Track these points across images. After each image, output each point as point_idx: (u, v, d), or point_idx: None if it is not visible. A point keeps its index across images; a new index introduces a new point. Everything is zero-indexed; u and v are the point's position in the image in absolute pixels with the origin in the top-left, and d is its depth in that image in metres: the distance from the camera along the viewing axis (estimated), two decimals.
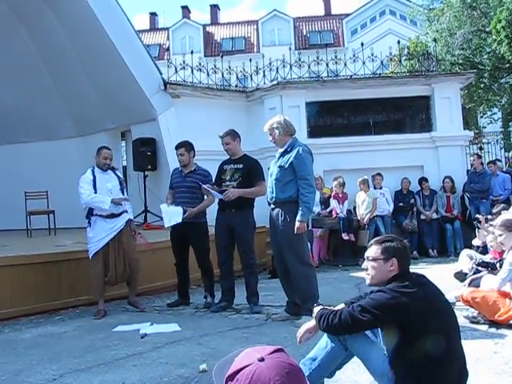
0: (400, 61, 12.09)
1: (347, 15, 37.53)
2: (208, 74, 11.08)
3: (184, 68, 10.92)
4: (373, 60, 11.17)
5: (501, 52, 14.62)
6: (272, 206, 5.33)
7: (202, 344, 4.48)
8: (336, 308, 2.87)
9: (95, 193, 5.86)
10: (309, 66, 11.42)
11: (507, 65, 15.75)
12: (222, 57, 11.65)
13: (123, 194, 6.06)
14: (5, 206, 11.02)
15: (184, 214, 5.93)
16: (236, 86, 11.75)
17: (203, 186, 5.81)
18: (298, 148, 5.17)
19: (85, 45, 10.16)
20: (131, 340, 4.71)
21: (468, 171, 10.95)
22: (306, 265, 5.23)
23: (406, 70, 11.82)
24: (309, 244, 6.00)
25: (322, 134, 10.83)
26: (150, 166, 10.28)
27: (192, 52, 11.61)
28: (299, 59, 11.56)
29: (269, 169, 5.48)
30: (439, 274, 6.79)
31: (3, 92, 11.57)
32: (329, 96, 10.99)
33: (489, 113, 17.95)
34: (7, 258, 6.01)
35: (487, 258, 6.23)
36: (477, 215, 7.37)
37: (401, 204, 10.28)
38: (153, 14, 41.54)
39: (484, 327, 4.62)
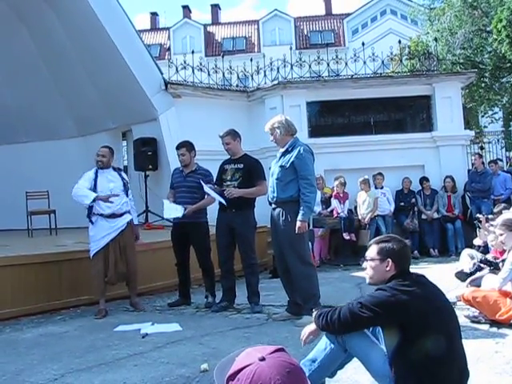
0: (401, 60, 12.07)
1: (348, 15, 37.54)
2: (209, 74, 11.08)
3: (185, 68, 10.92)
4: (374, 60, 11.18)
5: (502, 51, 14.60)
6: (273, 205, 5.33)
7: (203, 344, 4.48)
8: None
9: (95, 192, 5.86)
10: (310, 66, 11.43)
11: (508, 64, 15.73)
12: (222, 56, 11.65)
13: (127, 196, 6.05)
14: (6, 205, 11.02)
15: (184, 211, 5.94)
16: (237, 85, 11.75)
17: (205, 185, 5.78)
18: (299, 148, 5.17)
19: (85, 45, 10.16)
20: (132, 340, 4.71)
21: (469, 171, 10.94)
22: (307, 264, 5.22)
23: (407, 69, 11.82)
24: (310, 244, 6.00)
25: (323, 134, 10.83)
26: (150, 166, 10.28)
27: (193, 52, 11.60)
28: (300, 59, 11.58)
29: (270, 168, 5.48)
30: (440, 273, 6.79)
31: (4, 92, 11.57)
32: (330, 96, 10.99)
33: (490, 112, 17.93)
34: (8, 258, 6.01)
35: (488, 257, 6.23)
36: (477, 215, 7.37)
37: (402, 204, 10.27)
38: (154, 14, 41.56)
39: (485, 327, 4.62)
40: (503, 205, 7.80)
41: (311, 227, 6.62)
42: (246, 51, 34.58)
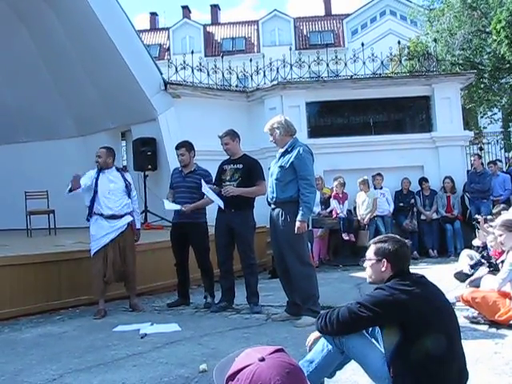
0: (400, 61, 12.08)
1: (347, 15, 37.55)
2: (208, 74, 11.09)
3: (184, 68, 10.93)
4: (373, 60, 11.18)
5: (501, 52, 14.63)
6: (272, 206, 5.33)
7: (202, 344, 4.48)
8: None
9: (95, 191, 5.88)
10: (309, 66, 11.43)
11: (507, 65, 15.75)
12: (222, 57, 11.66)
13: (129, 197, 6.03)
14: (5, 205, 11.02)
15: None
16: (236, 86, 11.75)
17: (205, 186, 5.76)
18: (299, 148, 5.17)
19: (85, 44, 10.16)
20: (131, 340, 4.71)
21: (468, 171, 10.95)
22: (307, 265, 5.22)
23: (407, 70, 11.83)
24: (309, 244, 5.99)
25: (323, 134, 10.84)
26: (150, 166, 10.28)
27: (192, 52, 11.59)
28: (299, 59, 11.57)
29: (269, 169, 5.48)
30: (439, 274, 6.79)
31: (4, 92, 11.57)
32: (329, 96, 10.99)
33: (489, 113, 17.94)
34: (7, 258, 6.01)
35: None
36: (476, 215, 7.37)
37: (401, 204, 10.28)
38: (153, 14, 41.56)
39: (484, 327, 4.62)
40: (502, 205, 7.81)
41: (310, 228, 6.62)
42: (246, 51, 34.59)
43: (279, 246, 5.27)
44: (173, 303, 6.23)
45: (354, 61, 11.08)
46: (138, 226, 6.20)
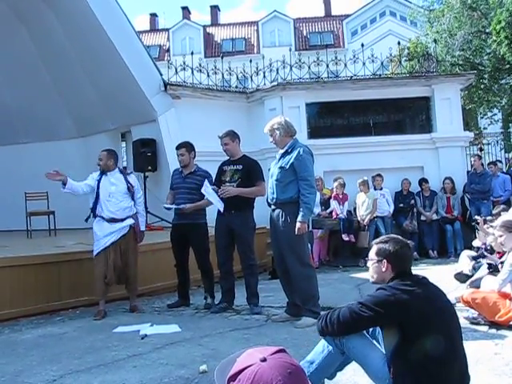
0: (400, 62, 12.09)
1: (347, 16, 37.52)
2: (208, 75, 11.09)
3: (184, 69, 10.93)
4: (373, 61, 11.19)
5: (501, 53, 14.63)
6: (273, 206, 5.32)
7: (202, 345, 4.48)
8: None
9: (97, 193, 5.90)
10: (309, 67, 11.43)
11: (507, 66, 15.75)
12: (222, 58, 11.66)
13: (132, 199, 6.02)
14: (5, 206, 11.02)
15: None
16: (236, 86, 11.77)
17: (207, 187, 5.75)
18: (299, 149, 5.17)
19: (85, 45, 10.16)
20: (131, 341, 4.71)
21: (468, 172, 10.95)
22: (307, 266, 5.22)
23: (406, 70, 11.84)
24: (309, 245, 5.99)
25: (322, 135, 10.84)
26: (150, 167, 10.28)
27: (192, 53, 11.60)
28: (299, 60, 11.58)
29: (269, 170, 5.48)
30: (439, 274, 6.79)
31: (3, 92, 11.58)
32: (329, 97, 11.00)
33: (489, 114, 17.94)
34: (7, 259, 6.01)
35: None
36: (475, 216, 7.37)
37: (401, 205, 10.28)
38: (153, 15, 41.54)
39: (484, 328, 4.63)
40: (502, 206, 7.82)
41: (310, 228, 6.62)
42: (246, 52, 34.56)
43: (279, 246, 5.27)
44: (173, 304, 6.23)
45: (354, 61, 11.08)
46: (143, 228, 6.17)
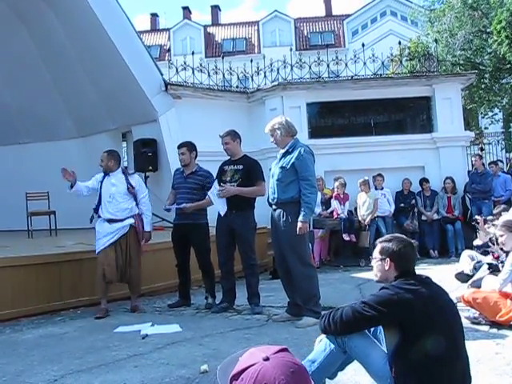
0: (401, 61, 12.09)
1: (348, 16, 37.53)
2: (209, 75, 11.09)
3: (185, 69, 10.94)
4: (374, 61, 11.19)
5: (501, 53, 14.63)
6: (274, 206, 5.32)
7: (203, 345, 4.48)
8: None
9: (99, 194, 5.94)
10: (310, 67, 11.44)
11: (508, 65, 15.76)
12: (222, 58, 11.68)
13: (134, 200, 6.02)
14: (6, 206, 11.02)
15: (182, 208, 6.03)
16: (237, 86, 11.77)
17: (214, 189, 5.74)
18: (300, 149, 5.16)
19: (85, 45, 10.16)
20: (132, 341, 4.71)
21: (469, 172, 10.94)
22: (308, 265, 5.22)
23: (407, 70, 11.84)
24: (310, 245, 5.99)
25: (323, 135, 10.84)
26: (150, 167, 10.28)
27: (193, 53, 11.62)
28: (300, 60, 11.59)
29: (270, 170, 5.48)
30: (440, 274, 6.78)
31: (4, 92, 11.59)
32: (330, 97, 11.00)
33: (490, 113, 17.95)
34: (8, 259, 6.01)
35: (488, 258, 6.23)
36: (476, 216, 7.37)
37: (402, 205, 10.28)
38: (154, 15, 41.55)
39: (485, 328, 4.63)
40: (503, 206, 7.81)
41: (311, 228, 6.62)
42: (246, 52, 34.57)
43: (280, 246, 5.26)
44: (174, 304, 6.23)
45: (355, 61, 11.09)
46: (148, 228, 6.12)
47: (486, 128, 18.26)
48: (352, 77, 11.05)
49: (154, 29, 40.18)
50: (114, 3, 9.81)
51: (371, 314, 2.65)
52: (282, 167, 5.20)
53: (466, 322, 4.58)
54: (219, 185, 5.77)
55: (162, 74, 10.44)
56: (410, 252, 2.87)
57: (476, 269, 6.13)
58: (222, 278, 5.90)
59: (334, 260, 9.91)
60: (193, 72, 10.97)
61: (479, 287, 5.21)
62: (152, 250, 7.02)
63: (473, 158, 11.27)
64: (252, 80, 11.66)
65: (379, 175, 10.15)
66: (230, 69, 11.45)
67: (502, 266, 5.09)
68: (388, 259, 2.81)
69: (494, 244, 5.83)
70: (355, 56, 11.13)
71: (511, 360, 3.72)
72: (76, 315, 6.04)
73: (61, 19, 10.22)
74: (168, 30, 38.42)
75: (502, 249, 5.19)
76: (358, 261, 9.33)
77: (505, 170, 11.99)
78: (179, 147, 6.28)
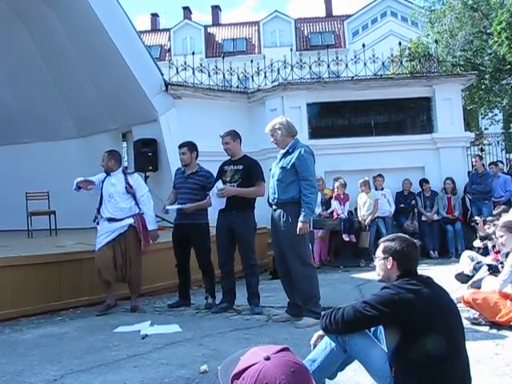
0: (401, 62, 12.09)
1: (348, 16, 37.52)
2: (209, 75, 11.10)
3: (185, 69, 10.94)
4: (374, 61, 11.19)
5: (502, 53, 14.63)
6: (274, 206, 5.32)
7: (203, 345, 4.48)
8: None
9: (101, 194, 5.99)
10: (310, 67, 11.44)
11: (508, 66, 15.76)
12: (223, 58, 11.67)
13: (134, 200, 6.02)
14: (6, 206, 11.02)
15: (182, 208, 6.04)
16: (237, 86, 11.77)
17: (215, 189, 5.74)
18: (300, 149, 5.16)
19: (86, 45, 10.17)
20: (132, 341, 4.71)
21: (469, 172, 10.94)
22: (308, 266, 5.22)
23: (407, 71, 11.83)
24: (310, 245, 5.99)
25: (323, 135, 10.84)
26: (151, 167, 10.28)
27: (193, 53, 11.62)
28: (300, 60, 11.58)
29: (270, 170, 5.48)
30: (440, 275, 6.77)
31: (4, 92, 11.58)
32: (330, 97, 11.00)
33: (490, 114, 17.95)
34: (8, 259, 6.01)
35: (488, 259, 6.23)
36: (475, 217, 7.37)
37: (402, 205, 10.28)
38: (154, 15, 41.55)
39: (485, 328, 4.63)
40: (503, 207, 7.82)
41: (311, 228, 6.61)
42: (247, 52, 34.57)
43: (280, 246, 5.26)
44: (173, 304, 6.23)
45: (355, 62, 11.09)
46: (151, 227, 6.09)
47: (486, 129, 18.26)
48: (352, 77, 11.05)
49: (155, 29, 40.19)
50: (114, 3, 9.82)
51: (372, 314, 2.65)
52: (282, 167, 5.20)
53: (465, 323, 4.58)
54: None
55: (162, 74, 10.44)
56: (412, 252, 2.87)
57: (476, 269, 6.13)
58: (222, 278, 5.90)
59: (333, 260, 9.91)
60: (193, 72, 10.97)
61: (479, 288, 5.21)
62: (152, 250, 7.01)
63: (473, 159, 11.27)
64: (252, 80, 11.66)
65: (379, 176, 10.15)
66: (231, 69, 11.45)
67: (502, 267, 5.10)
68: (391, 258, 2.81)
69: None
70: (355, 56, 11.13)
71: (511, 361, 3.72)
72: (76, 315, 6.04)
73: (61, 19, 10.22)
74: (168, 30, 38.42)
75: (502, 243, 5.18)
76: (358, 261, 9.33)
77: (505, 170, 11.98)
78: (180, 147, 6.28)
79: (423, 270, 7.53)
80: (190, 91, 10.70)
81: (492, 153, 15.78)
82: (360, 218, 9.70)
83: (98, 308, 5.88)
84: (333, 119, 11.52)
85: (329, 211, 9.88)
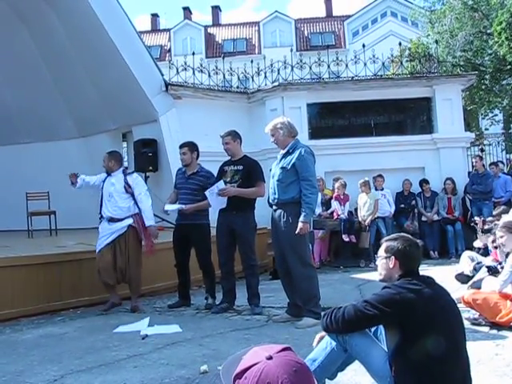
0: (401, 62, 12.08)
1: (348, 17, 37.51)
2: (209, 76, 11.10)
3: (185, 69, 10.94)
4: (374, 61, 11.20)
5: (502, 54, 14.62)
6: (274, 207, 5.32)
7: (203, 345, 4.48)
8: None
9: (102, 194, 6.05)
10: (310, 68, 11.44)
11: (508, 66, 15.75)
12: (223, 58, 11.68)
13: (133, 200, 6.02)
14: (6, 206, 11.02)
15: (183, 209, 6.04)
16: (237, 87, 11.77)
17: (214, 188, 5.74)
18: (301, 149, 5.17)
19: (86, 45, 10.17)
20: (132, 341, 4.71)
21: (469, 173, 10.94)
22: (308, 266, 5.22)
23: (408, 71, 11.84)
24: (310, 245, 5.99)
25: (324, 136, 10.84)
26: (151, 167, 10.28)
27: (193, 53, 11.63)
28: (300, 60, 11.58)
29: (270, 170, 5.48)
30: (440, 275, 6.75)
31: (4, 92, 11.58)
32: (330, 97, 11.00)
33: (490, 114, 17.94)
34: (8, 259, 6.01)
35: (488, 259, 6.23)
36: (475, 217, 7.37)
37: (402, 206, 10.28)
38: (154, 15, 41.55)
39: (485, 329, 4.62)
40: (503, 207, 7.81)
41: (311, 229, 6.62)
42: (247, 53, 34.56)
43: (281, 247, 5.26)
44: (173, 304, 6.23)
45: (355, 62, 11.09)
46: (147, 223, 6.03)
47: (486, 129, 18.24)
48: (352, 77, 11.06)
49: (155, 29, 40.19)
50: (114, 3, 9.82)
51: (373, 313, 2.65)
52: (282, 168, 5.20)
53: (466, 323, 4.56)
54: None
55: (162, 75, 10.45)
56: (415, 251, 2.88)
57: (476, 270, 6.13)
58: (222, 278, 5.90)
59: (334, 261, 9.91)
60: (193, 72, 10.97)
61: (479, 288, 5.21)
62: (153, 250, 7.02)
63: (473, 159, 11.27)
64: (252, 80, 11.67)
65: (379, 176, 10.15)
66: (231, 69, 11.45)
67: (501, 268, 5.10)
68: (393, 257, 2.81)
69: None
70: (356, 57, 11.13)
71: (511, 361, 3.72)
72: (76, 315, 6.05)
73: (61, 19, 10.22)
74: (168, 30, 38.42)
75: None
76: (358, 261, 9.34)
77: (505, 171, 11.98)
78: (181, 147, 6.28)
79: (423, 270, 7.51)
80: (190, 91, 10.70)
81: (492, 153, 15.77)
82: (360, 219, 9.70)
83: (103, 307, 5.95)
84: (333, 119, 11.53)
85: (329, 211, 9.88)
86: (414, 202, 10.31)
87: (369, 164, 10.40)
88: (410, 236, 3.00)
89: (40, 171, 11.22)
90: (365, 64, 11.06)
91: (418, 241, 2.98)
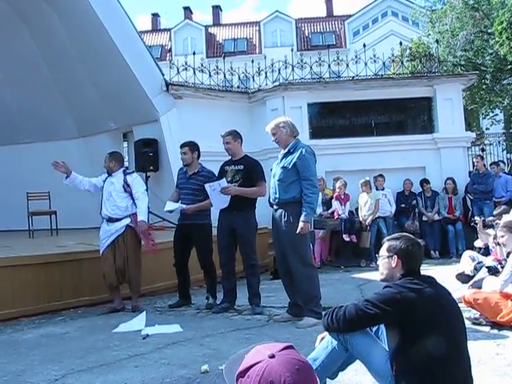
0: (402, 62, 12.08)
1: (349, 16, 37.48)
2: (210, 75, 11.10)
3: (186, 69, 10.94)
4: (375, 61, 11.20)
5: (502, 53, 14.62)
6: (275, 206, 5.32)
7: (204, 345, 4.48)
8: None
9: (102, 194, 6.09)
10: (311, 67, 11.44)
11: (509, 66, 15.75)
12: (224, 58, 11.68)
13: (131, 199, 6.03)
14: (7, 206, 11.02)
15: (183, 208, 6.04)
16: (238, 87, 11.77)
17: (214, 185, 5.73)
18: (302, 149, 5.17)
19: (86, 45, 10.17)
20: (133, 341, 4.71)
21: (470, 172, 10.94)
22: (309, 266, 5.22)
23: (408, 71, 11.84)
24: (310, 245, 5.99)
25: (324, 135, 10.85)
26: (151, 167, 10.28)
27: (194, 53, 11.62)
28: (301, 60, 11.58)
29: (271, 170, 5.48)
30: (441, 275, 6.75)
31: (5, 92, 11.58)
32: (331, 97, 11.00)
33: (491, 114, 17.94)
34: (9, 259, 6.02)
35: (489, 259, 6.23)
36: (475, 217, 7.36)
37: (403, 205, 10.28)
38: (155, 15, 41.52)
39: (486, 329, 4.62)
40: (504, 207, 7.80)
41: (312, 228, 6.61)
42: (247, 52, 34.55)
43: (281, 246, 5.26)
44: (174, 304, 6.23)
45: (356, 62, 11.10)
46: (139, 218, 5.92)
47: (487, 129, 18.24)
48: (353, 77, 11.05)
49: (155, 29, 40.18)
50: (115, 3, 9.82)
51: (374, 313, 2.65)
52: (283, 167, 5.20)
53: (466, 323, 4.56)
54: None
55: (163, 74, 10.44)
56: (417, 251, 2.88)
57: (477, 269, 6.12)
58: (223, 278, 5.90)
59: (334, 260, 9.91)
60: (194, 72, 10.97)
61: (480, 288, 5.20)
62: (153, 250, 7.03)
63: (474, 159, 11.27)
64: (253, 80, 11.67)
65: (380, 176, 10.15)
66: (231, 69, 11.45)
67: (502, 268, 5.09)
68: (395, 256, 2.81)
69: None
70: (356, 56, 11.14)
71: None
72: (77, 315, 6.05)
73: (62, 19, 10.22)
74: (169, 30, 38.41)
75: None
76: (359, 261, 9.34)
77: (506, 170, 11.97)
78: (181, 147, 6.28)
79: (424, 270, 7.51)
80: (191, 91, 10.71)
81: (493, 153, 15.77)
82: (361, 218, 9.70)
83: (105, 308, 6.00)
84: (333, 119, 11.53)
85: (329, 211, 9.88)
86: (414, 202, 10.30)
87: (369, 164, 10.40)
88: (411, 235, 3.00)
89: (40, 171, 11.17)
90: (365, 64, 11.06)
91: (420, 240, 2.98)
